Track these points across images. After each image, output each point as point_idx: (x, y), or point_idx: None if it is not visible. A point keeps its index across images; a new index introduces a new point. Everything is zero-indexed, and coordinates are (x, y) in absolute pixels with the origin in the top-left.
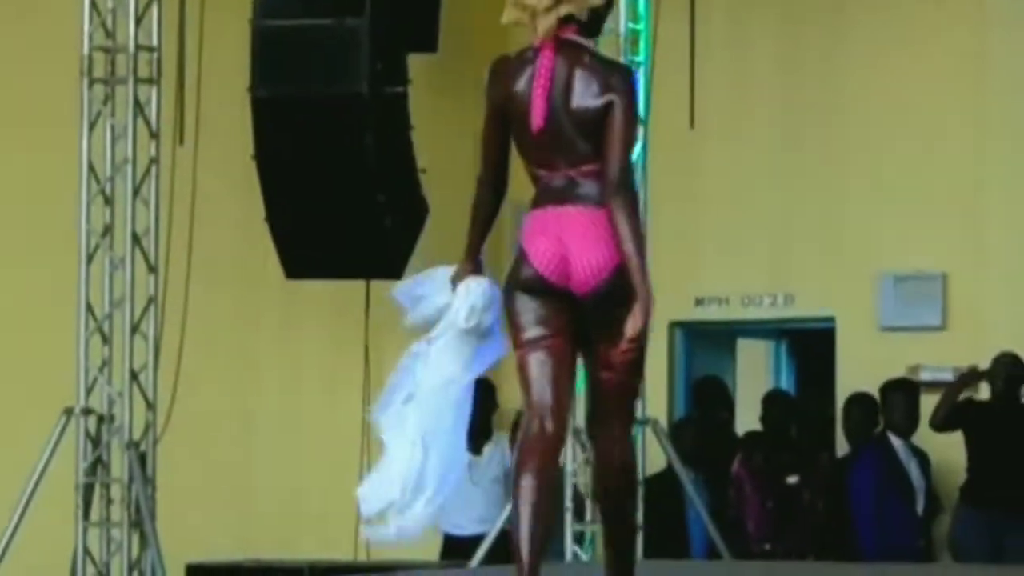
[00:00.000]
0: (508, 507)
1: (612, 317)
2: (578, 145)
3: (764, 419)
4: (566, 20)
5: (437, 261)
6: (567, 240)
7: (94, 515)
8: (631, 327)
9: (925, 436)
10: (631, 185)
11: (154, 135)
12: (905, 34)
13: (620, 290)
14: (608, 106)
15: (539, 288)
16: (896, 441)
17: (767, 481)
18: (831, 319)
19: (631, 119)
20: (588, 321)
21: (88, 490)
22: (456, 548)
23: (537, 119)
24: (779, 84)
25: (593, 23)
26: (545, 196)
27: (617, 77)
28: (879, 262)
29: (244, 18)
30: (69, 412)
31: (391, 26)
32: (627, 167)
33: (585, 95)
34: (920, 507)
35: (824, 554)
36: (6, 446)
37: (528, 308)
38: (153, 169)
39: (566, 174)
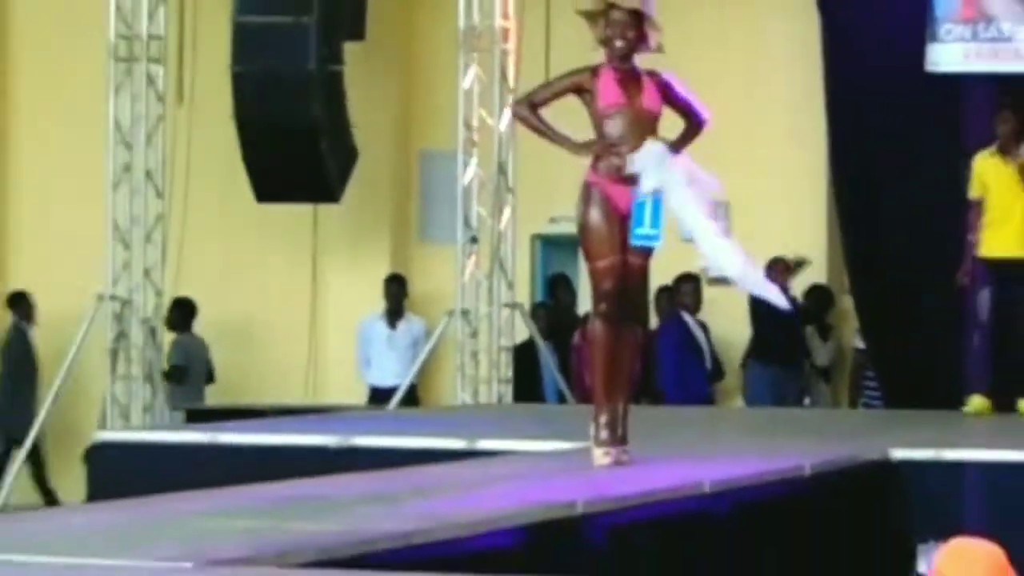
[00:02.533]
0: (415, 366)
1: None
2: None
3: None
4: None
5: (365, 192)
6: None
7: (119, 371)
8: None
9: (706, 313)
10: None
11: (161, 99)
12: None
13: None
14: None
15: None
16: (687, 317)
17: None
18: None
19: None
20: None
21: (114, 354)
22: (378, 396)
23: None
24: None
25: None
26: None
27: None
28: None
29: (227, 15)
30: (101, 298)
31: (332, 21)
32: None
33: None
34: (708, 364)
35: (639, 400)
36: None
37: None
38: (160, 124)
39: None
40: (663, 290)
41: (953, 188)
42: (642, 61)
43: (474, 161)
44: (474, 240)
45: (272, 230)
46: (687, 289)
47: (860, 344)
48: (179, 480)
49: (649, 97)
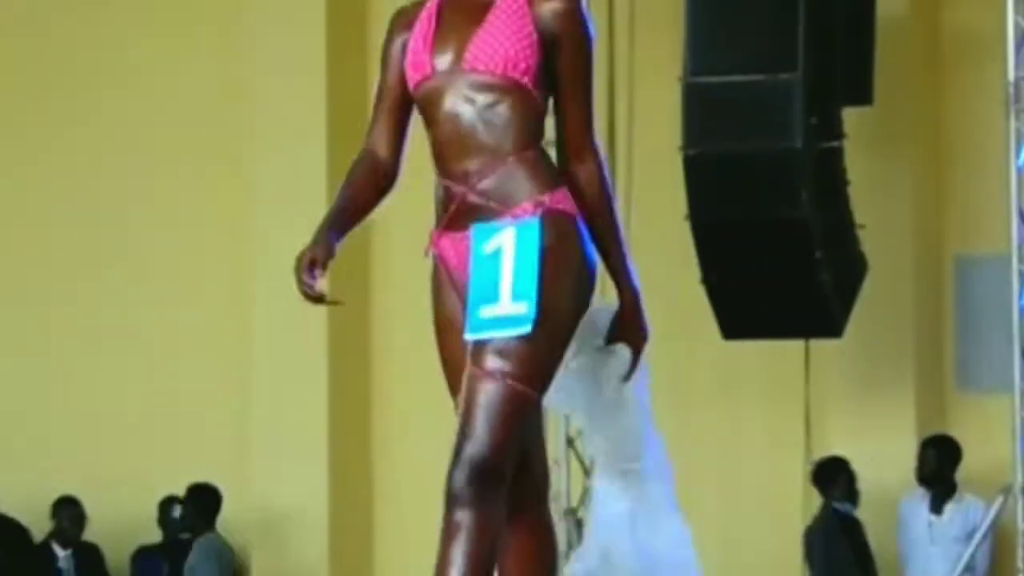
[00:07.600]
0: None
1: None
2: None
3: None
4: None
5: (877, 318)
6: None
7: None
8: None
9: None
10: None
11: None
12: None
13: None
14: None
15: None
16: None
17: None
18: None
19: None
20: None
21: None
22: None
23: None
24: None
25: None
26: None
27: None
28: None
29: (674, 76)
30: None
31: (824, 80)
32: None
33: None
34: None
35: None
36: None
37: None
38: None
39: None
40: None
41: None
42: None
43: None
44: None
45: (745, 380)
46: None
47: None
48: None
49: (486, 43)
